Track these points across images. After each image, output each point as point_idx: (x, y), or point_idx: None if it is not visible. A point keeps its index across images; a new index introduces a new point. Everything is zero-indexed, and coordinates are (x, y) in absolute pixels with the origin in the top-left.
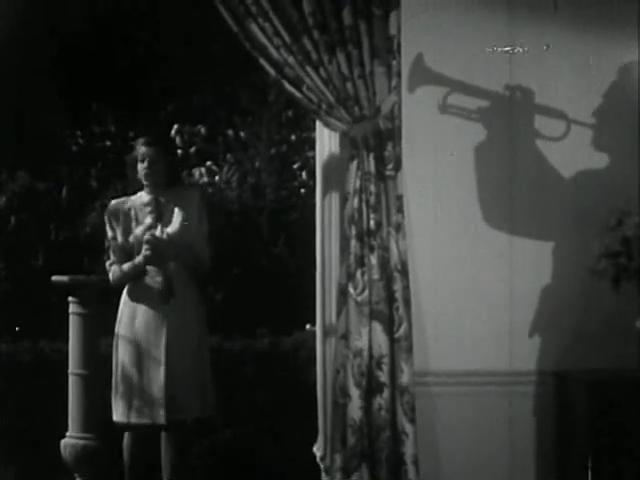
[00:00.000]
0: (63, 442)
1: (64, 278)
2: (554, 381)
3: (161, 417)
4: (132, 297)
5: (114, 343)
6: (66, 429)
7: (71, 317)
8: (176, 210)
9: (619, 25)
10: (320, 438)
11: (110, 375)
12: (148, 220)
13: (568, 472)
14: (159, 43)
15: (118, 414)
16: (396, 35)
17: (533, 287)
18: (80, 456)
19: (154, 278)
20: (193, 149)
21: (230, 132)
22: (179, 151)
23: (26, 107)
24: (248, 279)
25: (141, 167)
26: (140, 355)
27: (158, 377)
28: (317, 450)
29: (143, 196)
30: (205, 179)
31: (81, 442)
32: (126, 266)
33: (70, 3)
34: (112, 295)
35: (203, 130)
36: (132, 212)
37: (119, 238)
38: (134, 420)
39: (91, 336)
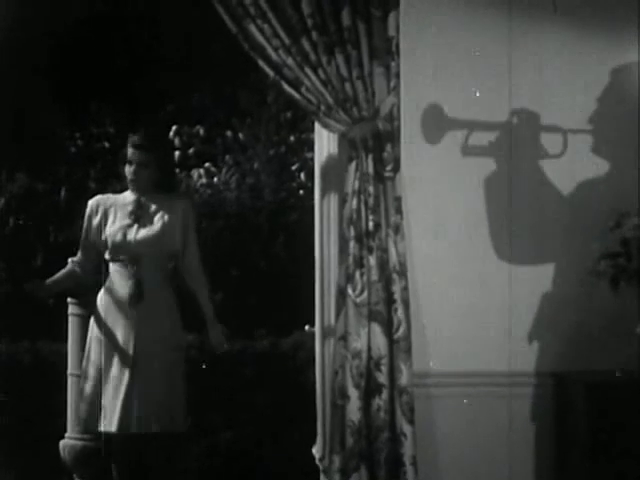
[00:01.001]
0: (62, 443)
1: None
2: (553, 382)
3: (124, 427)
4: (104, 303)
5: (86, 348)
6: (65, 430)
7: (70, 318)
8: (158, 216)
9: (619, 27)
10: (319, 439)
11: None
12: (126, 220)
13: (567, 473)
14: (158, 44)
15: (82, 423)
16: (395, 36)
17: (532, 289)
18: (79, 457)
19: (125, 281)
20: (192, 150)
21: (229, 133)
22: (177, 153)
23: (25, 108)
24: (247, 280)
25: (127, 170)
26: (107, 362)
27: (122, 387)
28: (316, 451)
29: (127, 196)
30: (204, 180)
31: (80, 443)
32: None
33: (69, 4)
34: None
35: (202, 131)
36: (112, 209)
37: (92, 233)
38: (103, 429)
39: None
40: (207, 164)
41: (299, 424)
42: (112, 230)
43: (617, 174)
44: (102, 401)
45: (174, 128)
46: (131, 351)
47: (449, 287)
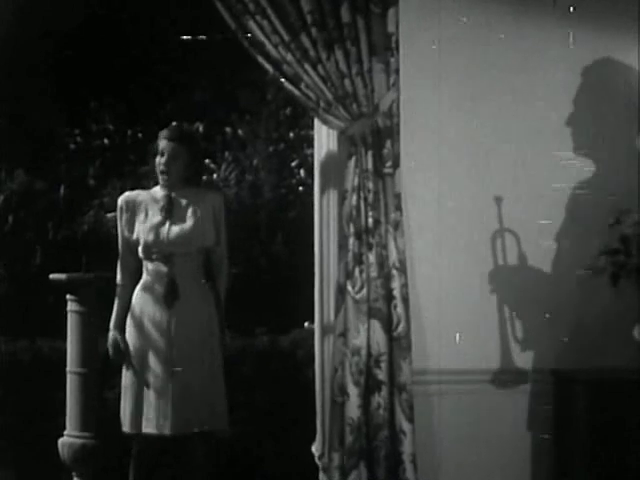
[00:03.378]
0: (61, 441)
1: (62, 276)
2: (552, 380)
3: (168, 428)
4: (140, 300)
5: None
6: (64, 428)
7: (69, 315)
8: (189, 211)
9: (618, 23)
10: (318, 437)
11: (109, 373)
12: (157, 217)
13: (567, 470)
14: (158, 41)
15: (126, 423)
16: (394, 32)
17: (532, 286)
18: (78, 455)
19: (159, 280)
20: None
21: (228, 130)
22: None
23: (24, 106)
24: (246, 277)
25: (158, 161)
26: (147, 363)
27: (166, 387)
28: (315, 449)
29: (157, 191)
30: (203, 177)
31: (79, 441)
32: (116, 302)
33: (69, 2)
34: (110, 293)
35: (201, 128)
36: (142, 206)
37: (125, 232)
38: (142, 430)
39: (89, 334)
40: (206, 161)
41: (298, 421)
42: (144, 228)
43: (616, 171)
44: (144, 403)
45: (173, 125)
46: (170, 351)
47: (449, 284)
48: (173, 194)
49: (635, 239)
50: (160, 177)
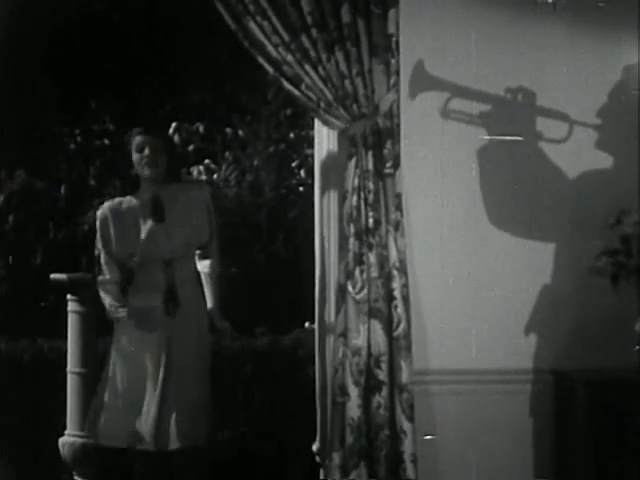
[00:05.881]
0: (61, 440)
1: (63, 276)
2: (553, 379)
3: (151, 444)
4: (131, 310)
5: (111, 359)
6: (64, 427)
7: (70, 315)
8: (182, 211)
9: (619, 25)
10: (319, 436)
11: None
12: (150, 223)
13: (567, 470)
14: (158, 41)
15: (117, 438)
16: (395, 33)
17: (532, 285)
18: (78, 454)
19: (155, 288)
20: (192, 147)
21: (229, 130)
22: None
23: (25, 106)
24: (247, 277)
25: (139, 157)
26: (135, 376)
27: (153, 402)
28: (316, 448)
29: (142, 195)
30: (203, 177)
31: (79, 440)
32: (107, 301)
33: (69, 1)
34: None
35: (202, 128)
36: (131, 214)
37: (114, 246)
38: (122, 444)
39: (90, 334)
40: (207, 161)
41: (299, 421)
42: (138, 237)
43: (619, 170)
44: (134, 417)
45: (174, 125)
46: (163, 367)
47: (449, 284)
48: (159, 195)
49: (636, 239)
50: (145, 172)
